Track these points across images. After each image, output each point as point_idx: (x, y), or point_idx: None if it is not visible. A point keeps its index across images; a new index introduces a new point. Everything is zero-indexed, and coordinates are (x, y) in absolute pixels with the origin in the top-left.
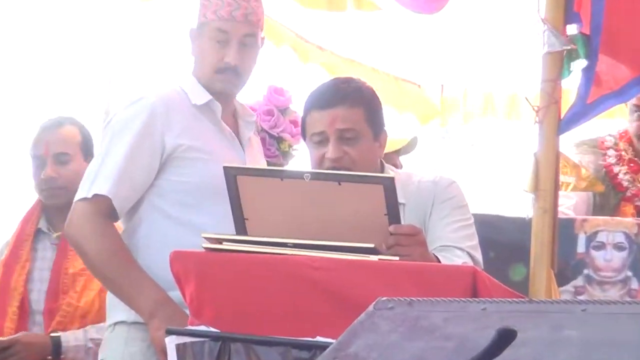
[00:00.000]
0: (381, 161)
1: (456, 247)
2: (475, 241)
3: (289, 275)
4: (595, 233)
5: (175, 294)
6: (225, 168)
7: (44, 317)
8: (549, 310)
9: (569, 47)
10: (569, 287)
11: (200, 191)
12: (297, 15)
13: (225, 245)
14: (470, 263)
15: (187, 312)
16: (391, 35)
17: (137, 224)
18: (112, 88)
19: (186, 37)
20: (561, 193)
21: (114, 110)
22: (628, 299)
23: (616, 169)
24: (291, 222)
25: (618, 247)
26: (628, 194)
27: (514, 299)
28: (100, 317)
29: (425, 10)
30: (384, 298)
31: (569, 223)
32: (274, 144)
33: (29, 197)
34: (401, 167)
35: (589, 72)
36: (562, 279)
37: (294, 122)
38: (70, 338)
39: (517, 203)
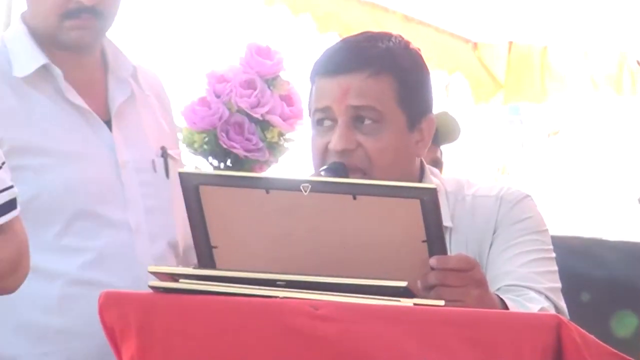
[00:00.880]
0: (422, 162)
1: (530, 288)
2: (558, 282)
3: (280, 328)
4: None
5: None
6: (181, 174)
7: None
8: None
9: None
10: None
11: (36, 217)
12: None
13: (184, 284)
14: (551, 311)
15: None
16: None
17: None
18: None
19: None
20: None
21: None
22: None
23: None
24: (280, 253)
25: None
26: None
27: None
28: None
29: None
30: None
31: None
32: (257, 132)
33: None
34: (442, 165)
35: None
36: None
37: (286, 99)
38: None
39: (623, 221)
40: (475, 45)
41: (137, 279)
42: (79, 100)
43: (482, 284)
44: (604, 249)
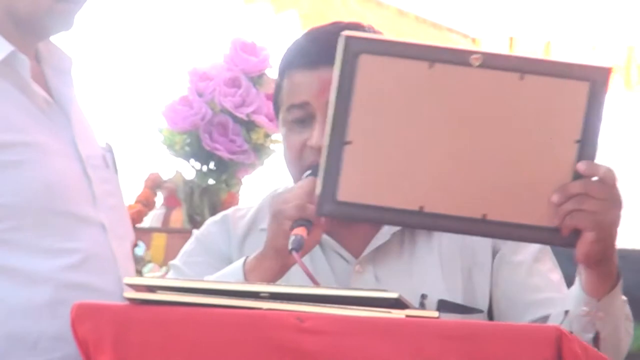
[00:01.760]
0: None
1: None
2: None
3: (264, 342)
4: None
5: None
6: (347, 38)
7: None
8: None
9: None
10: None
11: (13, 217)
12: None
13: (162, 295)
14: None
15: None
16: None
17: None
18: None
19: None
20: None
21: None
22: None
23: None
24: (422, 152)
25: None
26: None
27: None
28: None
29: None
30: None
31: None
32: (241, 132)
33: None
34: None
35: None
36: None
37: (272, 98)
38: None
39: (630, 227)
40: (474, 41)
41: (119, 280)
42: (42, 92)
43: (621, 205)
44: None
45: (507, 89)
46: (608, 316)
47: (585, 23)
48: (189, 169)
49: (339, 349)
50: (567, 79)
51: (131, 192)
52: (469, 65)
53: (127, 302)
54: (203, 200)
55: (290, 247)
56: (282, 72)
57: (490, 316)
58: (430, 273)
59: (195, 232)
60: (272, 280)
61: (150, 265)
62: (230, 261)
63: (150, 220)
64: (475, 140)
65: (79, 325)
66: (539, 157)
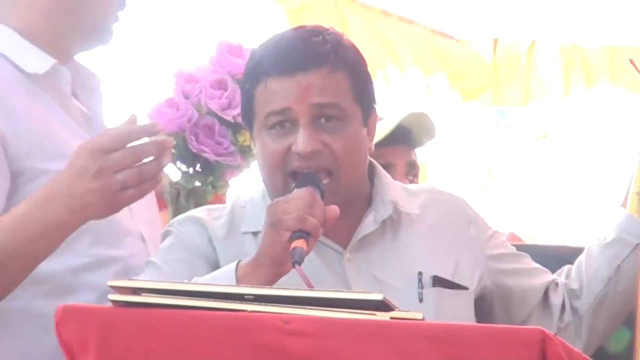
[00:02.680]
0: (372, 164)
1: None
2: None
3: (248, 344)
4: None
5: None
6: None
7: None
8: None
9: None
10: None
11: None
12: None
13: (146, 298)
14: None
15: None
16: None
17: None
18: None
19: None
20: None
21: None
22: None
23: None
24: None
25: None
26: None
27: None
28: None
29: None
30: None
31: None
32: (228, 135)
33: None
34: (418, 169)
35: None
36: None
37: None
38: None
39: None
40: (458, 42)
41: None
42: (80, 106)
43: None
44: None
45: None
46: None
47: (569, 22)
48: (175, 171)
49: (323, 351)
50: None
51: None
52: None
53: (111, 305)
54: (189, 202)
55: (292, 260)
56: (254, 80)
57: (489, 301)
58: (417, 252)
59: (170, 229)
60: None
61: None
62: (210, 261)
63: None
64: None
65: (63, 328)
66: None
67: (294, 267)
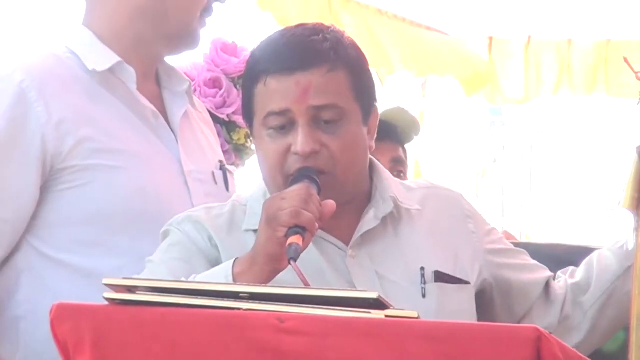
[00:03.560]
0: (372, 162)
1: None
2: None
3: (243, 342)
4: None
5: None
6: None
7: None
8: None
9: None
10: None
11: (107, 221)
12: None
13: (141, 296)
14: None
15: None
16: None
17: (10, 286)
18: None
19: None
20: None
21: None
22: None
23: None
24: None
25: None
26: None
27: None
28: None
29: None
30: None
31: None
32: (222, 133)
33: None
34: (406, 166)
35: None
36: None
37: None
38: None
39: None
40: (454, 41)
41: None
42: (150, 105)
43: None
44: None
45: None
46: None
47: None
48: None
49: (318, 349)
50: None
51: None
52: None
53: (106, 303)
54: None
55: (288, 256)
56: (254, 79)
57: (489, 295)
58: (419, 248)
59: (169, 229)
60: (261, 284)
61: None
62: (210, 259)
63: None
64: None
65: (58, 326)
66: None
67: (289, 263)
